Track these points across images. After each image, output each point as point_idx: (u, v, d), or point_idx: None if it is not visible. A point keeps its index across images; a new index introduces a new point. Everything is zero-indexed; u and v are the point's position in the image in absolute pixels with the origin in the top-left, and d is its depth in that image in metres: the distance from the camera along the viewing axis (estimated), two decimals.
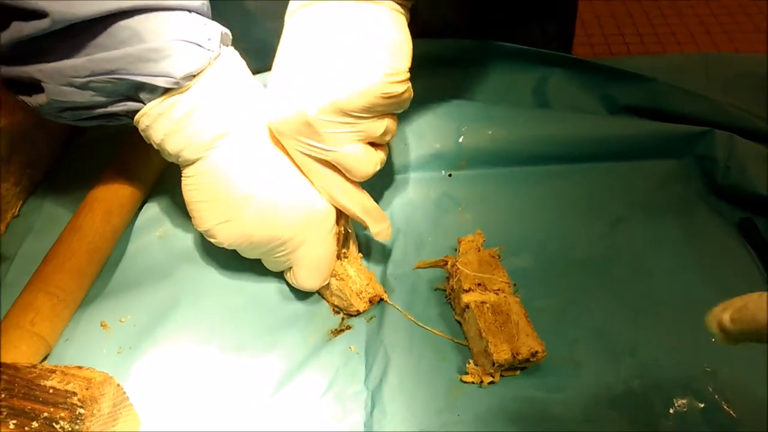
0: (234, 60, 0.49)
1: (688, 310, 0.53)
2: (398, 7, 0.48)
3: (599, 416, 0.47)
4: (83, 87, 0.44)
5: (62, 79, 0.43)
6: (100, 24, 0.42)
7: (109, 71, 0.43)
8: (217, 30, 0.47)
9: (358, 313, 0.54)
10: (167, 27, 0.44)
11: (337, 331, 0.53)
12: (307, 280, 0.52)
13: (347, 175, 0.50)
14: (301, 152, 0.49)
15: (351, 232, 0.55)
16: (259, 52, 0.57)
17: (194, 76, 0.45)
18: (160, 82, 0.44)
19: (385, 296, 0.54)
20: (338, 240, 0.53)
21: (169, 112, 0.46)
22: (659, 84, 0.66)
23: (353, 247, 0.56)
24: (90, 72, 0.43)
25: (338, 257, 0.54)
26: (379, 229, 0.52)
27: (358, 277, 0.54)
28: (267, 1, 0.66)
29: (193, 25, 0.45)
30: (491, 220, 0.60)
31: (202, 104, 0.46)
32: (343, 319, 0.54)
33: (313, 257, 0.51)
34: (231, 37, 0.50)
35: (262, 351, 0.51)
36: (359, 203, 0.51)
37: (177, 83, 0.44)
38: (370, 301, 0.54)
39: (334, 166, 0.49)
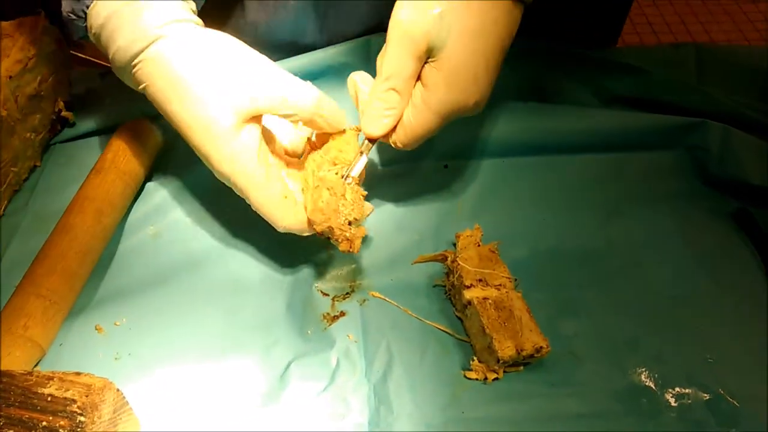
0: None
1: (685, 302, 0.54)
2: None
3: (605, 410, 0.47)
4: None
5: None
6: None
7: None
8: None
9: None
10: None
11: (332, 318, 0.52)
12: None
13: None
14: None
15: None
16: None
17: None
18: None
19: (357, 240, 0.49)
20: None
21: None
22: (652, 75, 0.67)
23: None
24: None
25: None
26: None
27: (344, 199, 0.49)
28: None
29: None
30: (487, 211, 0.60)
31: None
32: (333, 299, 0.54)
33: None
34: None
35: (264, 348, 0.50)
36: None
37: None
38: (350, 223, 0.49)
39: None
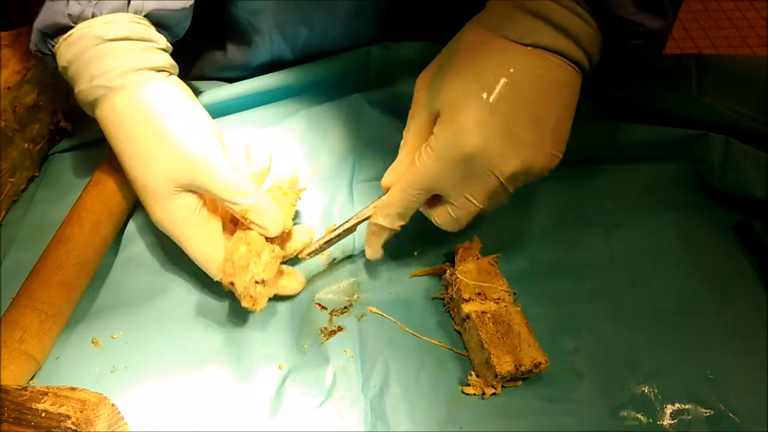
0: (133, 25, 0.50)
1: (686, 317, 0.53)
2: None
3: (603, 427, 0.47)
4: None
5: None
6: None
7: None
8: None
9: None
10: None
11: (329, 332, 0.52)
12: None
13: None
14: None
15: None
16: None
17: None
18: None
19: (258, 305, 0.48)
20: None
21: (72, 44, 0.48)
22: (653, 87, 0.66)
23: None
24: None
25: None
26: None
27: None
28: None
29: None
30: (487, 223, 0.59)
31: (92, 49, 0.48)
32: (331, 313, 0.53)
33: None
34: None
35: (260, 363, 0.50)
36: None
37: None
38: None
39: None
